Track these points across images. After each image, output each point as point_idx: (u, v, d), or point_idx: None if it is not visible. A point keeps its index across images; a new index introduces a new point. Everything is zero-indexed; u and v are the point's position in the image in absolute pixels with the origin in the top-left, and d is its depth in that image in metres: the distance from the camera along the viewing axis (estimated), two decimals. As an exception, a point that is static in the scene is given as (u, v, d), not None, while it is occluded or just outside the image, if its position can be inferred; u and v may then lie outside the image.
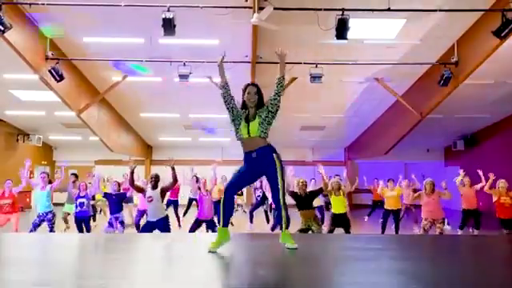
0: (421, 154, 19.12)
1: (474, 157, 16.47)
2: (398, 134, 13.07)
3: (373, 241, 4.42)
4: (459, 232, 9.36)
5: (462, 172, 9.17)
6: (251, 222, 11.18)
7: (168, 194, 11.88)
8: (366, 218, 13.39)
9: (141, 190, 7.27)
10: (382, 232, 9.60)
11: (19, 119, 15.98)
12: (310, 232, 6.87)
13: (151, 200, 6.90)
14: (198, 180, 8.96)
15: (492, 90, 11.77)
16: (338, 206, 7.69)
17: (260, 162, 3.62)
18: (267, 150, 3.64)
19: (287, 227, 3.68)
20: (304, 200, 7.00)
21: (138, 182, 7.66)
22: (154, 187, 6.98)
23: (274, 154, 3.62)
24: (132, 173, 6.86)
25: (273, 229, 9.74)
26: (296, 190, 7.09)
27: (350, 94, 12.71)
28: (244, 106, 3.73)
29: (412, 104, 11.37)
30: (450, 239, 5.83)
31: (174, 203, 11.87)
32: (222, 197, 3.69)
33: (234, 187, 3.75)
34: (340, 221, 7.62)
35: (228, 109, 3.74)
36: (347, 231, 7.66)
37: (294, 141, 17.65)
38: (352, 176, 19.70)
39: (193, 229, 8.19)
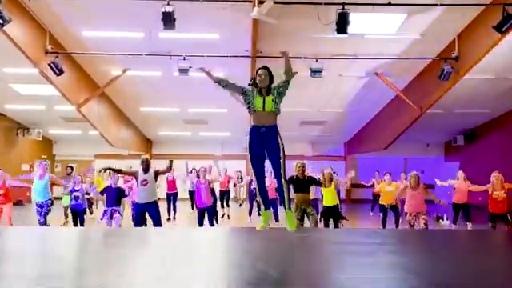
0: (421, 149, 19.11)
1: (473, 152, 16.47)
2: (398, 128, 13.06)
3: (371, 235, 4.44)
4: (453, 226, 9.42)
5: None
6: (250, 214, 11.31)
7: (166, 187, 12.08)
8: (371, 213, 13.43)
9: (132, 174, 7.40)
10: (383, 227, 9.58)
11: (19, 113, 15.95)
12: (305, 216, 6.95)
13: (146, 183, 6.92)
14: (198, 173, 8.94)
15: (492, 86, 11.73)
16: (329, 198, 7.76)
17: (266, 138, 3.81)
18: (275, 129, 3.85)
19: (290, 207, 3.83)
20: (301, 183, 7.01)
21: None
22: (146, 170, 7.02)
23: (279, 136, 3.84)
24: (111, 170, 7.26)
25: (250, 213, 10.40)
26: (294, 173, 7.08)
27: (349, 88, 12.68)
28: (255, 85, 3.94)
29: (412, 99, 11.35)
30: (447, 234, 5.85)
31: (172, 196, 11.99)
32: (257, 189, 3.99)
33: (262, 175, 3.98)
34: (330, 213, 7.70)
35: (238, 92, 3.99)
36: (336, 225, 7.77)
37: (293, 135, 17.62)
38: (351, 170, 19.79)
39: (200, 221, 8.34)
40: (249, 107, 3.89)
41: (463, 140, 17.18)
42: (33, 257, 3.21)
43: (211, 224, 8.97)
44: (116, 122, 15.19)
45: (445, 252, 3.63)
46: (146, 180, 6.93)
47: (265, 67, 4.00)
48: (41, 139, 18.00)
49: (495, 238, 4.86)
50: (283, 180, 3.78)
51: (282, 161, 3.77)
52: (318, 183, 7.50)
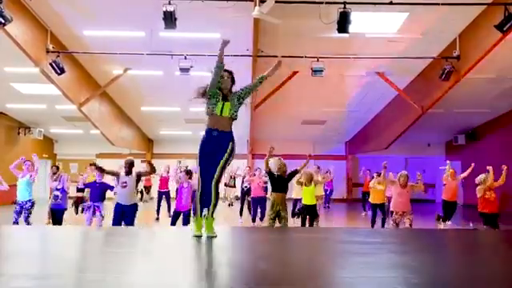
0: (422, 149, 19.11)
1: (474, 151, 16.45)
2: (399, 128, 13.05)
3: (371, 235, 4.44)
4: (448, 223, 9.42)
5: (448, 165, 9.45)
6: (241, 215, 11.24)
7: (158, 185, 11.89)
8: (364, 213, 13.38)
9: (114, 174, 7.24)
10: (372, 226, 9.46)
11: (20, 112, 15.98)
12: (277, 219, 6.81)
13: (125, 186, 6.91)
14: (189, 173, 8.74)
15: (493, 85, 11.73)
16: (308, 197, 7.91)
17: (217, 142, 3.80)
18: (228, 136, 3.84)
19: (212, 214, 3.86)
20: (280, 181, 6.85)
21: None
22: (128, 173, 6.99)
23: (231, 143, 3.82)
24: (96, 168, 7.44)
25: (253, 220, 10.05)
26: (275, 171, 6.91)
27: (351, 88, 12.68)
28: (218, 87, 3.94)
29: (413, 98, 11.34)
30: (448, 233, 5.85)
31: (165, 194, 11.75)
32: (199, 191, 3.85)
33: (208, 178, 3.80)
34: (309, 212, 7.85)
35: (214, 85, 3.91)
36: (311, 223, 7.92)
37: (295, 135, 17.63)
38: (352, 169, 19.81)
39: (173, 222, 8.30)
40: (209, 109, 3.88)
41: (464, 139, 17.19)
42: (31, 256, 3.21)
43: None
44: (117, 122, 15.21)
45: (446, 251, 3.63)
46: (125, 183, 6.90)
47: (228, 70, 4.01)
48: (42, 138, 18.03)
49: (496, 238, 4.86)
50: (213, 184, 3.77)
51: (221, 165, 3.75)
52: (295, 173, 7.21)
